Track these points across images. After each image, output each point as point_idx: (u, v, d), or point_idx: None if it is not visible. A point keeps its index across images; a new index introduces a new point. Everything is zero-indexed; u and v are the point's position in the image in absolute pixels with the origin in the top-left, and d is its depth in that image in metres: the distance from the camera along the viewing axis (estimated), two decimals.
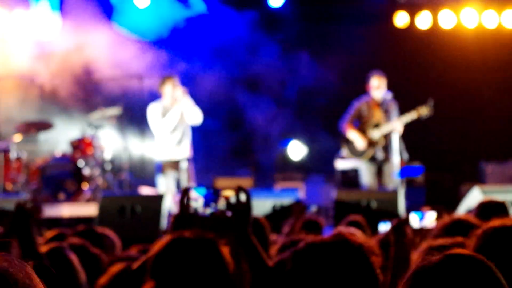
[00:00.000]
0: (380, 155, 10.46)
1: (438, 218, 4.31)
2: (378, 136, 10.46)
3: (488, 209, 4.76)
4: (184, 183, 10.18)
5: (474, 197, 8.14)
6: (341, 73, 13.53)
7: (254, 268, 2.85)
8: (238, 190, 3.06)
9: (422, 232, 4.24)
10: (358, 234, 4.41)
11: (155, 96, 10.77)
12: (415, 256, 3.18)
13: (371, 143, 10.48)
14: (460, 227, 3.46)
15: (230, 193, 3.07)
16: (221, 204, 3.07)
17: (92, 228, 5.75)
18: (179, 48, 12.78)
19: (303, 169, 13.86)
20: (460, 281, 1.88)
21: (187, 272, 2.50)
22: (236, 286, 2.61)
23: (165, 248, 2.57)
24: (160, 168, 10.43)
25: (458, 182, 13.13)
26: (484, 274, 1.90)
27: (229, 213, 3.04)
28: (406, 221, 3.84)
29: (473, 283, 1.88)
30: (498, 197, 5.35)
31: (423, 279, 1.91)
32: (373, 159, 10.48)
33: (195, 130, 10.81)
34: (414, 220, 4.35)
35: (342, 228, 5.53)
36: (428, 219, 4.37)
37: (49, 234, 5.46)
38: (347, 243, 2.42)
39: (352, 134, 10.56)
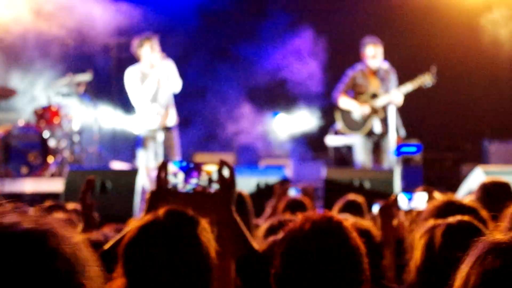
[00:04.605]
0: (378, 128, 10.49)
1: (429, 199, 4.42)
2: (378, 106, 10.47)
3: (491, 190, 4.89)
4: (169, 156, 10.18)
5: (476, 178, 8.20)
6: (338, 39, 13.64)
7: (239, 250, 2.90)
8: (221, 164, 3.08)
9: (412, 214, 4.37)
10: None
11: (129, 60, 10.72)
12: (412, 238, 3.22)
13: (369, 115, 10.50)
14: (452, 209, 3.47)
15: (212, 168, 3.11)
16: (203, 180, 3.10)
17: (59, 204, 5.88)
18: (159, 9, 12.81)
19: (290, 145, 13.96)
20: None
21: (161, 263, 2.52)
22: (216, 274, 2.64)
23: (136, 237, 2.57)
24: (141, 141, 10.39)
25: (459, 162, 13.32)
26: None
27: (211, 189, 3.08)
28: (394, 203, 3.99)
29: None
30: (502, 178, 5.41)
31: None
32: (370, 133, 10.51)
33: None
34: (403, 202, 4.47)
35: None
36: (418, 200, 4.49)
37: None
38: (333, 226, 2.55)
39: (348, 103, 10.56)
